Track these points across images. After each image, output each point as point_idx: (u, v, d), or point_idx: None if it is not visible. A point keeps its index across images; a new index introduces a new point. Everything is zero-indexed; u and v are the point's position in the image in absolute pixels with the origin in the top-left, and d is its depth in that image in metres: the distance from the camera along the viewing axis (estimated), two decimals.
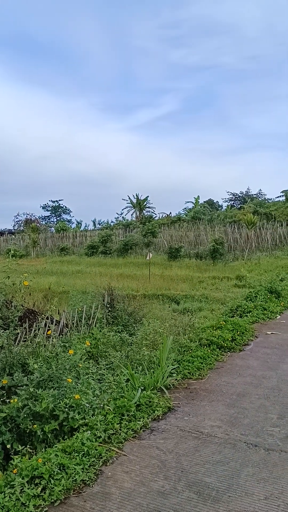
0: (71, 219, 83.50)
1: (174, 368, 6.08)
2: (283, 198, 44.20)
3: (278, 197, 47.72)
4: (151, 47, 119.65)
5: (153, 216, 61.41)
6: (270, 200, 62.10)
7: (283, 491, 3.44)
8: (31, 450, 4.01)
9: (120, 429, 4.37)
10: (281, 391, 5.54)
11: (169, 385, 5.67)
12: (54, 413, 4.32)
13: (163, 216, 61.37)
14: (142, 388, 5.25)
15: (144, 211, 64.56)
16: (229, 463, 3.87)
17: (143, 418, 4.66)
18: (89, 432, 4.17)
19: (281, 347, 7.54)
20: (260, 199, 65.67)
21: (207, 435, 4.40)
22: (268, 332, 8.55)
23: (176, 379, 5.85)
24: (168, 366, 5.88)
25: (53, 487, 3.39)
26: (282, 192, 43.58)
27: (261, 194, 70.34)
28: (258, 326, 8.99)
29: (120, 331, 8.55)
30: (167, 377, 5.70)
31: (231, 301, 11.25)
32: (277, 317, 9.88)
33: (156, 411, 4.86)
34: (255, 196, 69.53)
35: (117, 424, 4.43)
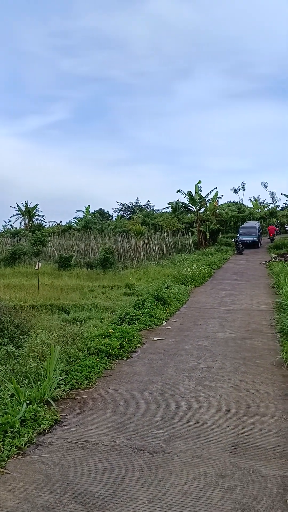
0: None
1: (62, 379, 5.98)
2: (170, 209, 46.30)
3: (165, 208, 49.90)
4: (41, 54, 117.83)
5: (43, 225, 59.97)
6: (157, 211, 64.68)
7: (166, 492, 3.57)
8: None
9: (3, 447, 4.17)
10: (165, 394, 5.76)
11: (57, 396, 5.57)
12: None
13: (54, 224, 60.35)
14: (28, 402, 5.08)
15: (33, 219, 62.75)
16: (115, 470, 3.92)
17: (28, 433, 4.51)
18: None
19: (166, 352, 7.85)
20: (148, 210, 68.07)
21: (94, 444, 4.40)
22: (154, 339, 8.84)
23: (64, 390, 5.76)
24: (56, 377, 5.78)
25: None
26: (168, 203, 45.55)
27: (150, 205, 72.99)
28: (146, 333, 9.25)
29: (6, 343, 8.18)
30: (55, 389, 5.59)
31: (120, 309, 11.42)
32: (163, 324, 10.27)
33: (42, 425, 4.73)
34: (143, 207, 71.89)
35: (0, 442, 4.22)
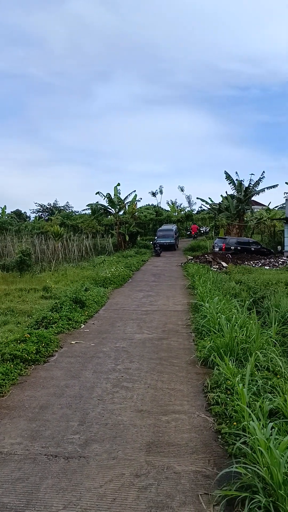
0: None
1: None
2: (89, 211, 46.12)
3: (84, 210, 49.60)
4: None
5: None
6: (77, 212, 64.04)
7: (81, 497, 3.54)
8: None
9: None
10: (82, 398, 5.72)
11: None
12: None
13: None
14: None
15: None
16: (29, 478, 3.81)
17: None
18: None
19: (84, 355, 7.79)
20: (67, 211, 67.11)
21: (6, 454, 4.24)
22: (72, 342, 8.74)
23: None
24: None
25: None
26: (87, 205, 45.41)
27: (69, 207, 72.00)
28: (63, 336, 9.11)
29: None
30: None
31: (37, 313, 11.12)
32: (82, 326, 10.18)
33: None
34: (62, 208, 70.75)
35: None
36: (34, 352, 7.44)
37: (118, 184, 39.63)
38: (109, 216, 45.19)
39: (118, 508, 3.39)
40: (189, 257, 30.31)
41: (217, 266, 23.65)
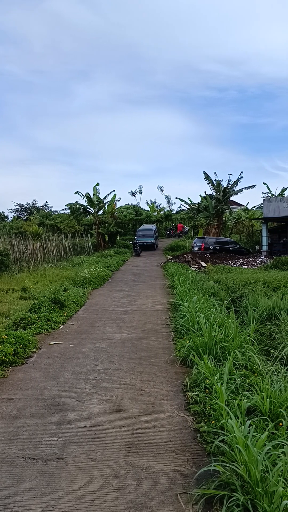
0: None
1: None
2: (68, 211, 45.78)
3: (63, 209, 49.19)
4: None
5: None
6: (56, 212, 63.52)
7: (59, 499, 3.50)
8: None
9: None
10: (61, 399, 5.66)
11: None
12: None
13: None
14: None
15: None
16: (6, 482, 3.75)
17: None
18: None
19: (63, 356, 7.73)
20: (46, 211, 66.52)
21: None
22: (51, 343, 8.65)
23: None
24: None
25: None
26: (66, 205, 45.02)
27: (48, 206, 71.38)
28: (42, 337, 9.02)
29: None
30: None
31: (15, 314, 10.99)
32: (61, 327, 10.10)
33: None
34: (41, 208, 70.09)
35: None
36: (11, 353, 7.34)
37: (98, 184, 39.50)
38: (88, 216, 44.97)
39: (97, 509, 3.37)
40: (169, 256, 30.41)
41: (196, 266, 23.79)
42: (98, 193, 39.56)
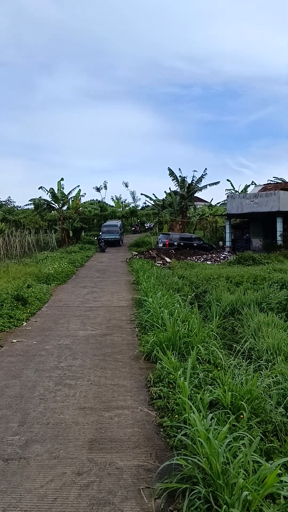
0: None
1: None
2: (32, 206, 45.00)
3: (26, 205, 48.34)
4: None
5: None
6: (19, 207, 62.37)
7: (21, 498, 3.45)
8: None
9: None
10: (23, 397, 5.57)
11: None
12: None
13: None
14: None
15: None
16: None
17: None
18: None
19: (26, 353, 7.60)
20: (9, 206, 65.19)
21: None
22: (14, 340, 8.50)
23: None
24: None
25: None
26: (30, 200, 44.19)
27: (10, 201, 70.02)
28: (4, 335, 8.84)
29: None
30: None
31: None
32: (24, 324, 9.93)
33: None
34: (4, 203, 68.66)
35: None
36: None
37: (62, 179, 38.98)
38: (52, 212, 44.40)
39: (59, 507, 3.34)
40: (134, 252, 30.45)
41: (161, 262, 23.93)
42: (63, 188, 39.08)
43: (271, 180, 45.93)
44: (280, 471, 3.45)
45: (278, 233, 28.08)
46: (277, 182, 41.87)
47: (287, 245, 26.67)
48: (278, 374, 5.65)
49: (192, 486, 3.35)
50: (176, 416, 4.66)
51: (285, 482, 3.14)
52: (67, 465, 3.95)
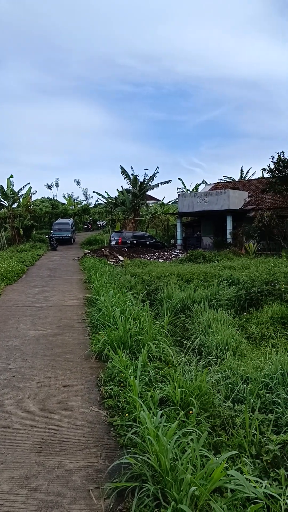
0: None
1: None
2: None
3: None
4: None
5: None
6: None
7: None
8: None
9: None
10: None
11: None
12: None
13: None
14: None
15: None
16: None
17: None
18: None
19: None
20: None
21: None
22: None
23: None
24: None
25: None
26: None
27: None
28: None
29: None
30: None
31: None
32: None
33: None
34: None
35: None
36: None
37: (11, 176, 37.92)
38: (2, 209, 43.10)
39: None
40: (86, 251, 30.20)
41: (113, 260, 23.89)
42: (12, 186, 38.06)
43: (221, 179, 47.07)
44: (227, 465, 3.53)
45: (228, 231, 28.75)
46: (227, 181, 42.94)
47: (236, 243, 27.36)
48: (226, 369, 5.78)
49: (142, 484, 3.36)
50: (127, 414, 4.66)
51: (232, 475, 3.20)
52: (14, 469, 3.85)
